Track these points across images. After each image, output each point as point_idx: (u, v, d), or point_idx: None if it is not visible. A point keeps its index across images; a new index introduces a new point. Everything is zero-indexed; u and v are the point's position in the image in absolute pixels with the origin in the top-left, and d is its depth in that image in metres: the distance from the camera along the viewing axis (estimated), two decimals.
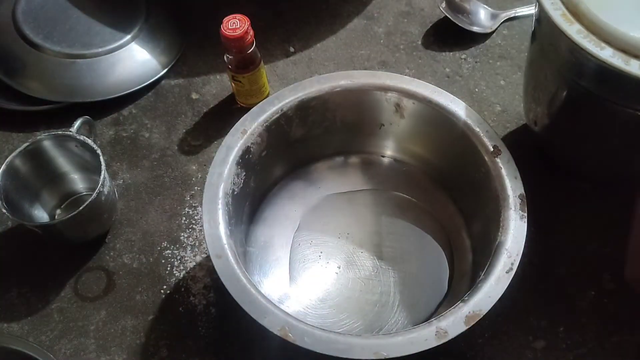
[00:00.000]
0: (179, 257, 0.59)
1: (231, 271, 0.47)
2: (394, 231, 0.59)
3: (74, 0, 0.72)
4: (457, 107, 0.55)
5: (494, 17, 0.75)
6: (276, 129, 0.56)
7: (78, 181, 0.62)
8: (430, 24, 0.76)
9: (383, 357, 0.43)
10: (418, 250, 0.58)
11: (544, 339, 0.54)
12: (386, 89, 0.57)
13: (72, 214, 0.54)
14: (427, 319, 0.52)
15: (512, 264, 0.47)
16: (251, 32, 0.62)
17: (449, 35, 0.75)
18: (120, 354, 0.54)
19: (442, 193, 0.61)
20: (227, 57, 0.64)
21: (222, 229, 0.49)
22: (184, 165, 0.66)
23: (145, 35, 0.72)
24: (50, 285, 0.58)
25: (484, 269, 0.47)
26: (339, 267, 0.57)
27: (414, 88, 0.56)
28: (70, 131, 0.59)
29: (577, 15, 0.46)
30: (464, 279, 0.55)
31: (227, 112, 0.69)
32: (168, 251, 0.60)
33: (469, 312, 0.44)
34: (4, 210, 0.54)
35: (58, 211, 0.62)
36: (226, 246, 0.48)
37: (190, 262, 0.59)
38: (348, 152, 0.63)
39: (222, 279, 0.46)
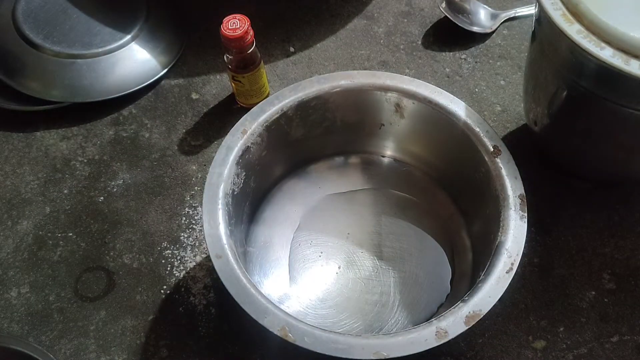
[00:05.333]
0: (179, 257, 0.59)
1: (231, 271, 0.47)
2: (394, 231, 0.59)
3: (74, 0, 0.72)
4: (457, 107, 0.55)
5: (494, 17, 0.75)
6: (276, 129, 0.56)
7: None
8: (430, 24, 0.76)
9: (383, 357, 0.43)
10: (418, 250, 0.58)
11: (544, 338, 0.54)
12: (386, 89, 0.57)
13: None
14: (428, 319, 0.52)
15: (512, 263, 0.47)
16: (251, 32, 0.62)
17: (449, 35, 0.75)
18: (120, 354, 0.54)
19: (442, 193, 0.61)
20: (227, 57, 0.64)
21: (222, 229, 0.49)
22: (184, 165, 0.66)
23: (146, 35, 0.72)
24: (50, 285, 0.58)
25: (484, 268, 0.47)
26: (339, 267, 0.57)
27: (414, 88, 0.56)
28: None
29: (577, 15, 0.46)
30: (464, 279, 0.55)
31: (227, 112, 0.69)
32: (168, 251, 0.60)
33: (469, 312, 0.44)
34: None
35: None
36: (226, 246, 0.48)
37: (190, 262, 0.59)
38: (348, 152, 0.63)
39: (222, 279, 0.46)
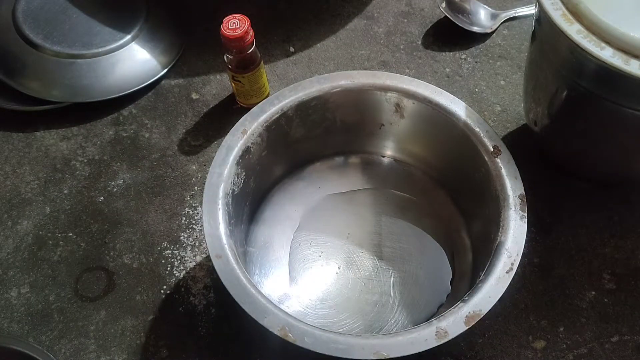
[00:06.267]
0: (179, 257, 0.59)
1: (231, 271, 0.47)
2: (394, 231, 0.59)
3: (74, 0, 0.72)
4: (457, 107, 0.55)
5: (494, 17, 0.75)
6: (276, 129, 0.56)
7: None
8: (431, 24, 0.76)
9: (383, 357, 0.43)
10: (418, 250, 0.58)
11: (544, 338, 0.54)
12: (386, 89, 0.57)
13: None
14: (428, 319, 0.52)
15: (512, 263, 0.47)
16: (251, 32, 0.62)
17: (449, 35, 0.75)
18: (120, 354, 0.54)
19: (442, 193, 0.61)
20: (227, 57, 0.64)
21: (222, 229, 0.49)
22: (184, 165, 0.66)
23: (146, 35, 0.72)
24: (50, 285, 0.58)
25: (484, 268, 0.47)
26: (339, 267, 0.57)
27: (414, 88, 0.56)
28: None
29: (577, 15, 0.46)
30: (464, 279, 0.55)
31: (227, 112, 0.69)
32: (168, 251, 0.60)
33: (469, 312, 0.44)
34: None
35: None
36: (226, 246, 0.48)
37: (190, 262, 0.59)
38: (348, 152, 0.63)
39: (222, 279, 0.46)
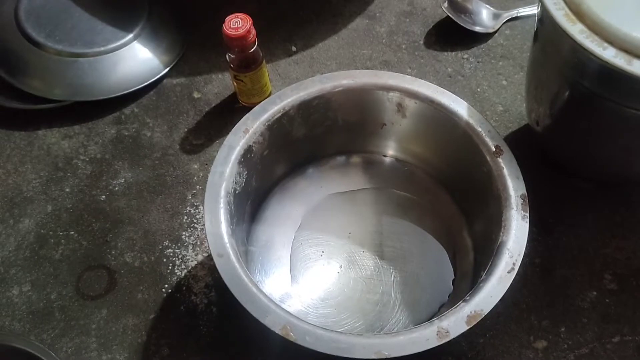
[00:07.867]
0: (180, 256, 0.59)
1: (233, 270, 0.47)
2: (395, 231, 0.59)
3: None
4: (459, 107, 0.55)
5: (496, 17, 0.75)
6: (278, 128, 0.56)
7: None
8: (433, 24, 0.76)
9: (384, 357, 0.43)
10: (419, 250, 0.58)
11: (545, 339, 0.54)
12: (388, 88, 0.57)
13: None
14: (429, 318, 0.52)
15: (513, 263, 0.47)
16: (253, 31, 0.62)
17: (451, 35, 0.75)
18: (121, 352, 0.54)
19: (443, 193, 0.61)
20: (229, 56, 0.64)
21: (223, 227, 0.49)
22: (185, 164, 0.66)
23: (148, 34, 0.72)
24: (52, 283, 0.58)
25: (486, 268, 0.47)
26: (341, 267, 0.57)
27: (416, 88, 0.56)
28: None
29: (580, 15, 0.46)
30: (465, 279, 0.55)
31: (229, 111, 0.69)
32: (169, 250, 0.60)
33: (471, 312, 0.44)
34: None
35: None
36: (228, 245, 0.48)
37: (192, 261, 0.59)
38: (350, 152, 0.63)
39: (224, 277, 0.46)
